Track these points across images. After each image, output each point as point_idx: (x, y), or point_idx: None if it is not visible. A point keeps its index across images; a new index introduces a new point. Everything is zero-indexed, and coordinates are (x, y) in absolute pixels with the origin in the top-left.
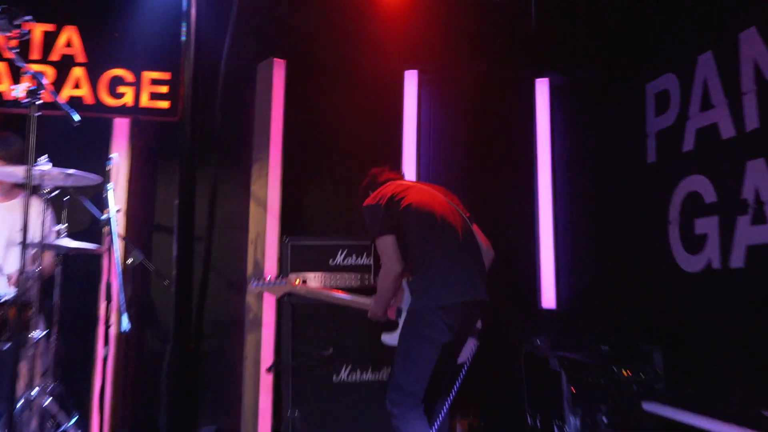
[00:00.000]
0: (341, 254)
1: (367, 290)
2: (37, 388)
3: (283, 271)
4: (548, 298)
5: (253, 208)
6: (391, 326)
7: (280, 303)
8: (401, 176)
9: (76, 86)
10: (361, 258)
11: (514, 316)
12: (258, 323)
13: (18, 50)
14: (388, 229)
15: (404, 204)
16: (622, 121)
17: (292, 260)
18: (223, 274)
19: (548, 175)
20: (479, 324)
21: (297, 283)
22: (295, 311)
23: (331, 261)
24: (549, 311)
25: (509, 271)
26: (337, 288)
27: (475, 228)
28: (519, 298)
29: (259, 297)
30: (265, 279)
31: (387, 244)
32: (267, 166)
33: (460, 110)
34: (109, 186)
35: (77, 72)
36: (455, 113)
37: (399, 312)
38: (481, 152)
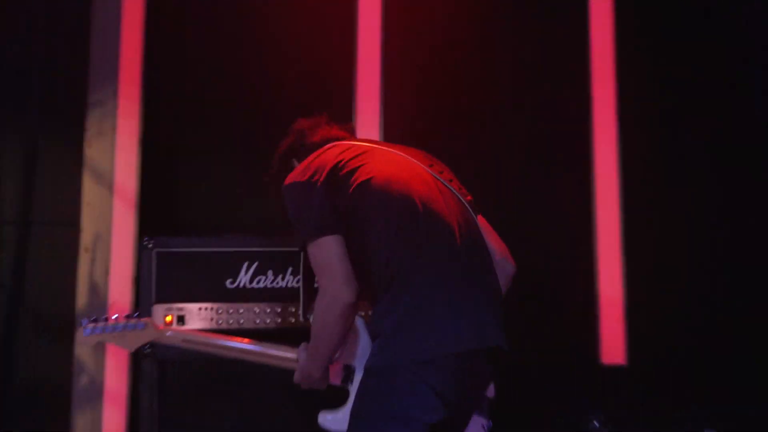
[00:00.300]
0: (247, 270)
1: (294, 334)
2: None
3: (142, 302)
4: (612, 347)
5: (90, 190)
6: (335, 398)
7: (137, 359)
8: (351, 133)
9: None
10: (284, 277)
11: (554, 379)
12: (97, 394)
13: None
14: (329, 226)
15: (359, 179)
16: (740, 46)
17: (160, 281)
18: (38, 308)
19: (611, 143)
20: (491, 390)
21: (168, 322)
22: (165, 374)
23: (229, 282)
24: (614, 369)
25: (547, 300)
26: (240, 332)
27: (481, 222)
28: (563, 348)
29: (100, 349)
30: (108, 319)
31: (328, 253)
32: (114, 116)
33: (461, 29)
34: None
35: None
36: (452, 33)
37: (349, 373)
38: (496, 101)
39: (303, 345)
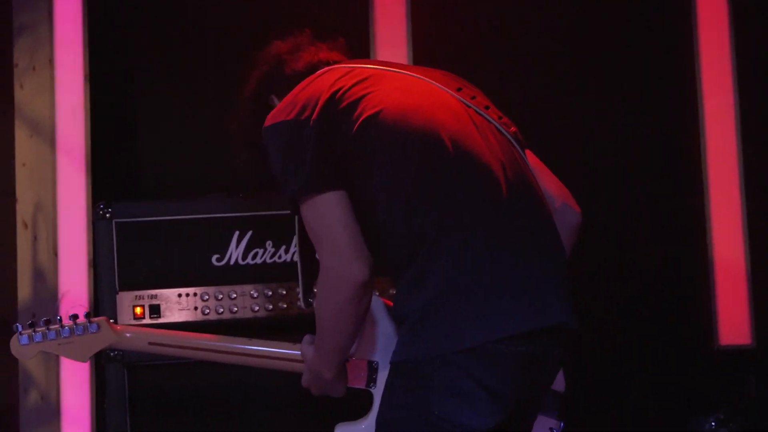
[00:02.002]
0: (239, 242)
1: (307, 323)
2: None
3: (102, 290)
4: (734, 324)
5: (25, 145)
6: (356, 405)
7: (99, 367)
8: (346, 55)
9: None
10: (287, 249)
11: (656, 365)
12: (52, 414)
13: None
14: (327, 179)
15: (364, 114)
16: None
17: (123, 261)
18: None
19: (726, 86)
20: (561, 382)
21: (138, 315)
22: (137, 382)
23: (216, 258)
24: (737, 352)
25: (644, 268)
26: (234, 323)
27: (531, 160)
28: (668, 326)
29: (50, 355)
30: (50, 321)
31: (327, 216)
32: (50, 44)
33: None
34: None
35: None
36: None
37: (372, 369)
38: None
39: (308, 337)
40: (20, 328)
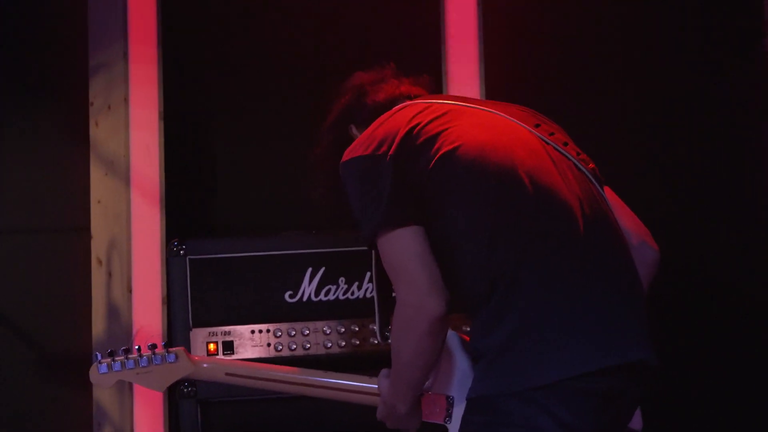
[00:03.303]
0: (311, 278)
1: (377, 359)
2: None
3: (176, 327)
4: None
5: (100, 183)
6: None
7: (173, 403)
8: (427, 89)
9: None
10: (360, 285)
11: (735, 400)
12: None
13: None
14: (404, 214)
15: (442, 150)
16: None
17: (197, 297)
18: (42, 341)
19: None
20: (638, 420)
21: (211, 351)
22: (210, 423)
23: (289, 295)
24: None
25: (719, 296)
26: (306, 359)
27: (609, 196)
28: (745, 357)
29: (125, 390)
30: (129, 351)
31: (404, 251)
32: (125, 83)
33: None
34: None
35: None
36: None
37: (448, 404)
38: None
39: (384, 371)
40: (99, 357)
